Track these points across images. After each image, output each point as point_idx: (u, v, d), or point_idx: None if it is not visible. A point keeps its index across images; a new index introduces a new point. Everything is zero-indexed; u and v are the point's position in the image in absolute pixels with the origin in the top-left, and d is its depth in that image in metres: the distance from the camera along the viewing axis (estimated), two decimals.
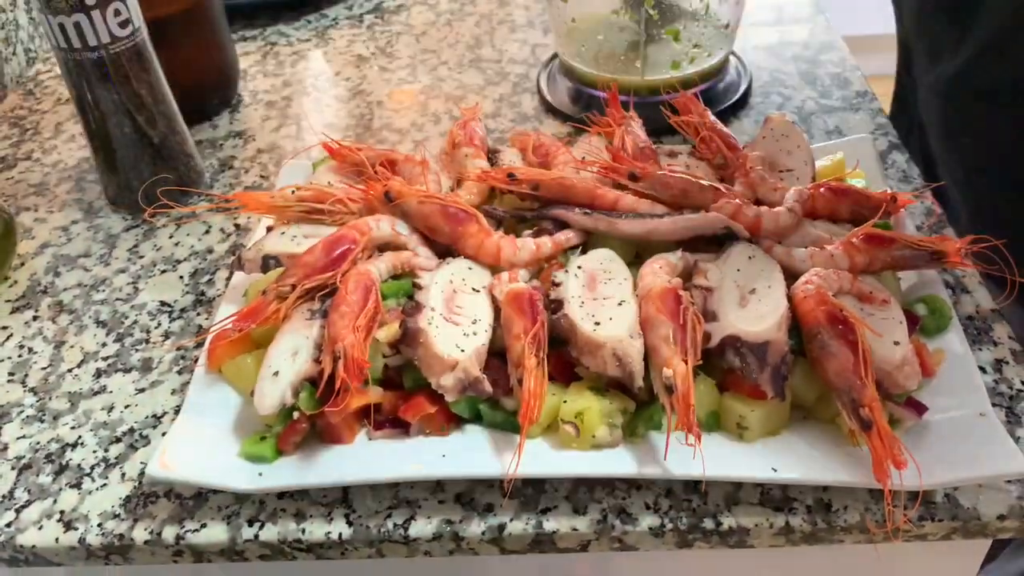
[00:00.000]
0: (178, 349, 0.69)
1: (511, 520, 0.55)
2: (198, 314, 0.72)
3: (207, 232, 0.81)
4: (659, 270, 0.59)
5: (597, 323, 0.56)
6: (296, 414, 0.56)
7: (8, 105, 1.02)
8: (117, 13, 0.74)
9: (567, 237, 0.64)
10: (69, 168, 0.91)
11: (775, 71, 0.96)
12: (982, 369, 0.62)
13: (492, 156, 0.74)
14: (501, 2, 1.14)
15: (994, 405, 0.59)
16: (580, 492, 0.56)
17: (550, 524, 0.55)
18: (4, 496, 0.59)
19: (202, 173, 0.87)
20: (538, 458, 0.55)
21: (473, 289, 0.62)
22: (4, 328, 0.73)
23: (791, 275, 0.61)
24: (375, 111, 0.96)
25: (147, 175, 0.83)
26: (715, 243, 0.63)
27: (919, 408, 0.55)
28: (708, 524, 0.54)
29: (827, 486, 0.55)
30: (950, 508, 0.54)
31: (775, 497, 0.55)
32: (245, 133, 0.94)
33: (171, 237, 0.81)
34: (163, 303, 0.74)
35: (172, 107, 0.83)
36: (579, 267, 0.61)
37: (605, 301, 0.58)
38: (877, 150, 0.77)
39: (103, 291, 0.75)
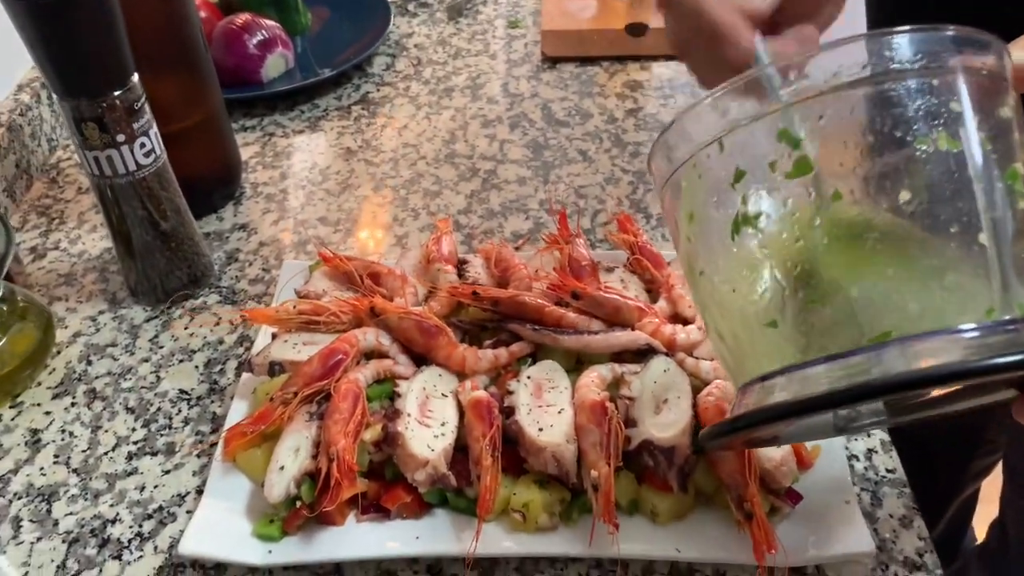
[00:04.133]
0: (196, 434, 0.82)
1: None
2: (212, 401, 0.86)
3: (217, 324, 0.94)
4: (591, 384, 0.73)
5: (540, 429, 0.71)
6: (298, 503, 0.70)
7: (35, 194, 1.15)
8: (143, 146, 0.87)
9: (520, 348, 0.78)
10: (93, 259, 1.04)
11: None
12: (856, 457, 0.76)
13: (461, 267, 0.88)
14: (474, 96, 1.28)
15: (863, 490, 0.74)
16: (527, 565, 0.70)
17: None
18: (59, 567, 0.73)
19: (211, 266, 1.00)
20: (493, 539, 0.69)
21: (443, 394, 0.76)
22: (48, 413, 0.86)
23: (701, 383, 0.75)
24: (362, 205, 1.09)
25: (163, 269, 0.96)
26: (639, 354, 0.77)
27: (795, 498, 0.70)
28: None
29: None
30: None
31: (681, 569, 0.69)
32: (248, 226, 1.07)
33: (186, 328, 0.94)
34: (182, 391, 0.87)
35: (186, 213, 0.96)
36: (528, 377, 0.75)
37: (548, 408, 0.73)
38: None
39: (130, 379, 0.89)
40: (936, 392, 0.53)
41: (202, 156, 1.07)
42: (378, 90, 1.31)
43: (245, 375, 0.82)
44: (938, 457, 1.37)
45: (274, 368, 0.79)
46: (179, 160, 0.96)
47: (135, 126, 0.86)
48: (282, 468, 0.71)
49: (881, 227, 0.47)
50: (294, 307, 0.82)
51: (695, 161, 0.52)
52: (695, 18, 0.58)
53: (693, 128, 0.52)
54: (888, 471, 0.75)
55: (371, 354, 0.80)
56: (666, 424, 0.71)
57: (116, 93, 0.83)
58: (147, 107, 0.87)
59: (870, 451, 0.77)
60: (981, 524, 1.52)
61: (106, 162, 0.87)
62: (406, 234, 1.04)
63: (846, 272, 0.47)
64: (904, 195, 0.46)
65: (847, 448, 0.76)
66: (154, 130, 0.89)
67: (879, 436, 0.78)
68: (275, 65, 1.30)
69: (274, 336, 0.83)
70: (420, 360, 0.80)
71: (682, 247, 0.55)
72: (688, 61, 0.65)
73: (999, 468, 1.40)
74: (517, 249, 0.92)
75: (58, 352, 0.93)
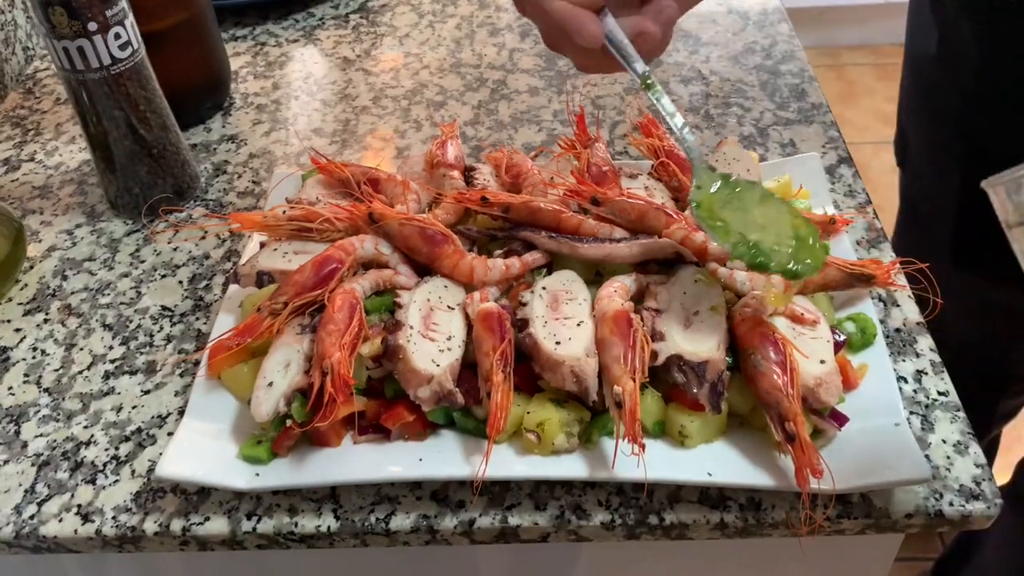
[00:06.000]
0: (180, 352, 0.75)
1: (480, 515, 0.62)
2: (197, 318, 0.79)
3: (203, 238, 0.87)
4: (614, 293, 0.66)
5: (558, 342, 0.63)
6: (288, 422, 0.63)
7: (9, 104, 1.07)
8: (117, 37, 0.79)
9: (534, 258, 0.71)
10: (71, 171, 0.97)
11: (737, 81, 1.02)
12: (904, 379, 0.69)
13: (468, 174, 0.80)
14: (482, 3, 1.19)
15: (912, 413, 0.67)
16: (541, 490, 0.64)
17: (514, 519, 0.62)
18: (27, 491, 0.66)
19: (197, 178, 0.93)
20: (504, 462, 0.62)
21: (448, 307, 0.68)
22: (18, 330, 0.79)
23: (733, 295, 0.68)
24: (360, 116, 1.01)
25: (146, 180, 0.89)
26: (667, 265, 0.70)
27: (840, 420, 0.62)
28: (652, 520, 0.62)
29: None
30: (864, 507, 0.61)
31: (712, 496, 0.63)
32: (237, 137, 0.99)
33: (170, 242, 0.86)
34: (164, 307, 0.80)
35: (169, 118, 0.88)
36: (544, 288, 0.68)
37: (566, 321, 0.65)
38: (825, 166, 0.84)
39: (108, 295, 0.82)
40: None
41: (187, 61, 0.99)
42: None
43: (232, 287, 0.75)
44: (966, 398, 1.32)
45: (262, 279, 0.72)
46: (162, 65, 0.87)
47: (108, 14, 0.78)
48: (270, 384, 0.64)
49: None
50: (284, 213, 0.74)
51: None
52: (544, 16, 0.62)
53: None
54: (940, 394, 0.68)
55: (369, 264, 0.72)
56: (697, 338, 0.63)
57: None
58: None
59: (919, 372, 0.70)
60: (999, 472, 1.47)
61: (77, 54, 0.78)
62: (408, 146, 0.96)
63: None
64: None
65: (895, 369, 0.69)
66: (130, 20, 0.80)
67: (929, 357, 0.71)
68: None
69: (262, 245, 0.75)
70: (423, 271, 0.72)
71: None
72: (559, 51, 0.65)
73: (1022, 414, 1.34)
74: (533, 160, 0.83)
75: (31, 267, 0.85)
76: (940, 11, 0.92)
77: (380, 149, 0.96)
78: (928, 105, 1.00)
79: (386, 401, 0.65)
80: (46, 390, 0.73)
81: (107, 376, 0.74)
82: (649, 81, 0.66)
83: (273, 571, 0.73)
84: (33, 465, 0.68)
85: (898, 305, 0.75)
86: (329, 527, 0.63)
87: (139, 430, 0.70)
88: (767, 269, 0.63)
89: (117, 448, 0.69)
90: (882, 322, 0.72)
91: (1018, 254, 0.57)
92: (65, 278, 0.84)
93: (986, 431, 1.36)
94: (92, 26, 0.77)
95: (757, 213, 0.65)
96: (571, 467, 0.62)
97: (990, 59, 0.87)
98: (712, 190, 0.66)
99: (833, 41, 3.00)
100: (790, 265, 0.63)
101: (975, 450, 0.64)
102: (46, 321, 0.80)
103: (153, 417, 0.71)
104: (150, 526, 0.63)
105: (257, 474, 0.63)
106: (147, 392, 0.73)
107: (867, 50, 3.02)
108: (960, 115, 0.93)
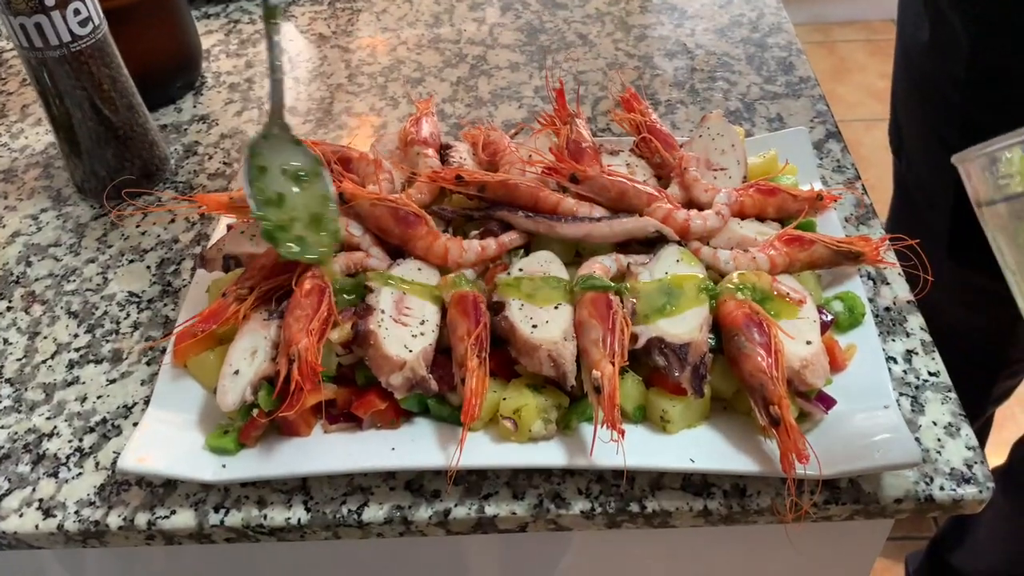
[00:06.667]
0: (147, 339, 0.73)
1: (456, 505, 0.60)
2: (165, 304, 0.76)
3: (172, 221, 0.84)
4: (593, 275, 0.63)
5: (535, 326, 0.61)
6: (255, 411, 0.60)
7: None
8: (77, 12, 0.76)
9: (511, 239, 0.68)
10: (37, 153, 0.94)
11: (723, 55, 0.99)
12: (893, 360, 0.67)
13: (444, 152, 0.78)
14: None
15: (902, 395, 0.65)
16: (519, 478, 0.61)
17: (491, 509, 0.60)
18: None
19: (166, 160, 0.90)
20: (480, 450, 0.60)
21: None
22: None
23: (717, 275, 0.65)
24: (335, 94, 0.98)
25: (112, 163, 0.86)
26: (648, 244, 0.67)
27: (827, 403, 0.60)
28: (634, 508, 0.60)
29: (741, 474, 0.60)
30: (853, 492, 0.59)
31: (695, 483, 0.61)
32: (209, 117, 0.96)
33: (138, 226, 0.84)
34: (131, 293, 0.77)
35: (135, 97, 0.85)
36: (521, 269, 0.65)
37: (544, 303, 0.63)
38: (813, 141, 0.81)
39: (74, 281, 0.79)
40: None
41: (154, 39, 0.96)
42: None
43: (199, 272, 0.73)
44: (960, 380, 1.30)
45: (228, 262, 0.69)
46: (127, 43, 0.84)
47: None
48: (236, 372, 0.61)
49: None
50: None
51: None
52: None
53: None
54: (931, 374, 0.66)
55: (339, 246, 0.70)
56: (679, 319, 0.61)
57: None
58: None
59: (910, 352, 0.68)
60: (991, 451, 1.45)
61: (35, 31, 0.75)
62: (384, 124, 0.93)
63: None
64: None
65: (884, 349, 0.67)
66: None
67: (919, 336, 0.69)
68: None
69: (229, 228, 0.73)
70: (396, 253, 0.70)
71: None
72: None
73: (1016, 394, 1.32)
74: (512, 137, 0.81)
75: None
76: (931, 1, 0.89)
77: (356, 127, 0.93)
78: (921, 94, 0.97)
79: (357, 389, 0.63)
80: (8, 380, 0.71)
81: (71, 365, 0.72)
82: (273, 20, 0.64)
83: (262, 565, 0.71)
84: None
85: (888, 283, 0.72)
86: (299, 519, 0.60)
87: (104, 420, 0.68)
88: (277, 245, 0.65)
89: (81, 440, 0.66)
90: (871, 301, 0.70)
91: (988, 235, 0.54)
92: (29, 264, 0.81)
93: (981, 413, 1.35)
94: (49, 1, 0.74)
95: (301, 190, 0.68)
96: (549, 454, 0.60)
97: (981, 50, 0.84)
98: (276, 154, 0.68)
99: (824, 17, 2.96)
100: (297, 252, 0.65)
101: (967, 432, 0.62)
102: (9, 309, 0.77)
103: (119, 407, 0.68)
104: (114, 520, 0.61)
105: (224, 465, 0.60)
106: (113, 381, 0.70)
107: (859, 26, 2.98)
108: (953, 105, 0.90)
